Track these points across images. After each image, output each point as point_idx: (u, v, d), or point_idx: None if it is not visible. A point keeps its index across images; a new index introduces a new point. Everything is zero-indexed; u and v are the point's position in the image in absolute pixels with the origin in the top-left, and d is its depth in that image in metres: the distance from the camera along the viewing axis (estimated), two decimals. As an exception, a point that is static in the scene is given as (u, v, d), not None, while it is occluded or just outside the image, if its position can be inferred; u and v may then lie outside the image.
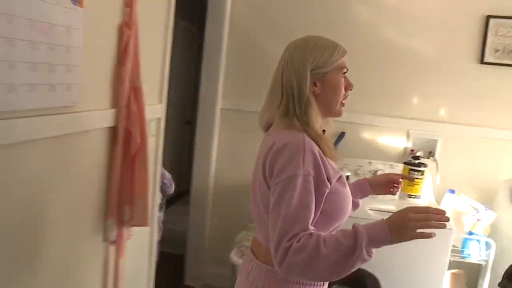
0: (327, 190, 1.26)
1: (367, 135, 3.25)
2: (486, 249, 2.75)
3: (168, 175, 3.01)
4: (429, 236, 1.15)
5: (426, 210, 1.18)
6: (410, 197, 2.77)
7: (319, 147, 1.29)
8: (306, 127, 1.30)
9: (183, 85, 5.46)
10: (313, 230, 1.19)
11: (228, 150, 3.43)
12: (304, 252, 1.13)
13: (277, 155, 1.25)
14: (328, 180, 1.26)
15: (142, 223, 1.99)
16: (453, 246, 2.63)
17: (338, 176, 1.32)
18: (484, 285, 2.77)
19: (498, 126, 3.14)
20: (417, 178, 2.76)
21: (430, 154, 3.19)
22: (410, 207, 1.20)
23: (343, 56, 1.37)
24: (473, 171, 3.18)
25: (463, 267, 2.93)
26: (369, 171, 3.03)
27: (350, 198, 1.38)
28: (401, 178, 1.71)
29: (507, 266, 2.80)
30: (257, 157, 1.40)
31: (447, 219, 1.17)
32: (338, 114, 1.42)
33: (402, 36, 3.16)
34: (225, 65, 3.34)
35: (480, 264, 2.81)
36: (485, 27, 3.05)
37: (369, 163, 3.08)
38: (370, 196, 1.70)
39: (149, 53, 2.25)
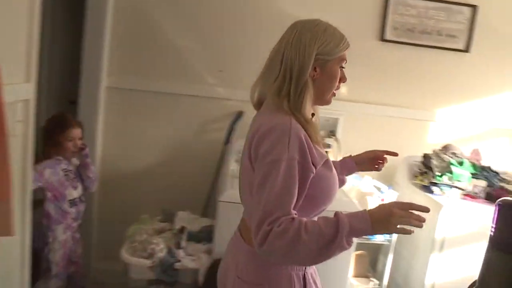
0: (312, 175, 1.25)
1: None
2: (389, 230, 2.72)
3: (93, 168, 2.66)
4: (409, 232, 1.19)
5: (410, 206, 1.19)
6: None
7: (306, 132, 1.27)
8: (295, 110, 1.29)
9: (66, 59, 4.86)
10: (295, 214, 1.18)
11: (116, 134, 3.06)
12: (285, 237, 1.12)
13: (262, 138, 1.25)
14: (314, 164, 1.25)
15: (4, 232, 1.58)
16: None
17: (323, 161, 1.30)
18: (387, 263, 2.74)
19: (398, 104, 3.12)
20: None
21: (331, 133, 3.08)
22: (395, 202, 1.24)
23: (346, 49, 1.38)
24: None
25: (370, 248, 2.90)
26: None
27: (337, 182, 1.38)
28: (386, 154, 1.75)
29: (408, 244, 2.83)
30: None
31: (424, 220, 1.18)
32: (328, 102, 1.42)
33: (302, 12, 2.95)
34: (110, 39, 2.94)
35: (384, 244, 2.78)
36: (385, 5, 2.99)
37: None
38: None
39: (8, 26, 1.83)
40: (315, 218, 1.22)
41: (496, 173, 2.84)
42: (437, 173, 2.74)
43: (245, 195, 1.39)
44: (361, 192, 2.76)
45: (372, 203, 2.71)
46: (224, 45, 2.98)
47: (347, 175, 1.70)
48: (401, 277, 2.83)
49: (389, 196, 2.75)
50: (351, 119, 3.08)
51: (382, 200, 2.72)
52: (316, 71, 1.32)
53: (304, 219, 1.16)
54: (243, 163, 1.36)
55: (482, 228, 2.19)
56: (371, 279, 2.83)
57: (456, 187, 2.72)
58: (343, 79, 1.40)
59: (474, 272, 1.67)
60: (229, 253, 1.48)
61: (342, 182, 1.64)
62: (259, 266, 1.32)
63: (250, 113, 2.92)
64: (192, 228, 2.59)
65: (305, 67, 1.29)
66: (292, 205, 1.18)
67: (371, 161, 1.73)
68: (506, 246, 1.52)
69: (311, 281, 1.38)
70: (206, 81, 3.01)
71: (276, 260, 1.25)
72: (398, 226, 1.17)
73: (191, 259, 2.39)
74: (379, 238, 2.71)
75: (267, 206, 1.16)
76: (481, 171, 2.77)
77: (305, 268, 1.36)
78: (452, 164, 2.75)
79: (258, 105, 1.44)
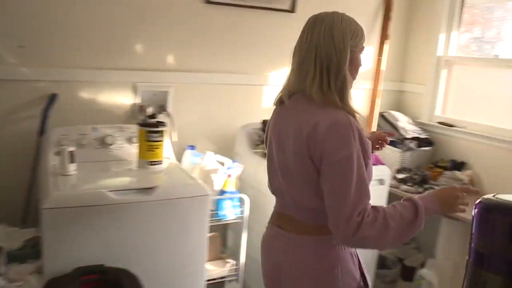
0: (369, 162, 1.37)
1: (85, 94, 2.57)
2: (240, 206, 2.55)
3: None
4: (465, 211, 1.41)
5: (467, 189, 1.44)
6: (152, 164, 2.32)
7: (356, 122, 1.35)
8: (342, 103, 1.35)
9: None
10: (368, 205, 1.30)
11: None
12: (375, 225, 1.25)
13: (327, 135, 1.30)
14: (368, 153, 1.35)
15: None
16: (211, 210, 2.32)
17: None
18: (242, 241, 2.59)
19: (231, 71, 2.92)
20: (156, 141, 2.32)
21: (161, 108, 2.76)
22: (455, 186, 1.46)
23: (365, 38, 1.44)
24: (210, 122, 2.92)
25: (220, 228, 2.72)
26: (96, 139, 2.41)
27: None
28: (387, 136, 1.89)
29: (260, 218, 2.67)
30: (278, 130, 1.49)
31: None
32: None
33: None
34: None
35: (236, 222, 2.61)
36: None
37: (93, 129, 2.45)
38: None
39: None
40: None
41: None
42: (279, 140, 2.63)
43: (292, 187, 1.44)
44: (205, 170, 2.52)
45: (218, 181, 2.50)
46: (24, 13, 2.35)
47: None
48: (257, 253, 2.70)
49: (235, 171, 2.57)
50: (182, 91, 2.79)
51: (229, 176, 2.53)
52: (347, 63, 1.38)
53: (382, 206, 1.32)
54: (288, 158, 1.42)
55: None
56: (227, 260, 2.65)
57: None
58: (361, 64, 1.46)
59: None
60: (275, 253, 1.53)
61: None
62: (327, 252, 1.42)
63: (65, 95, 2.48)
64: (12, 245, 2.07)
65: (343, 60, 1.36)
66: (369, 193, 1.30)
67: (374, 142, 1.85)
68: (491, 263, 1.36)
69: (358, 256, 1.52)
70: (4, 60, 2.37)
71: (366, 247, 1.35)
72: (459, 207, 1.40)
73: (16, 286, 1.90)
74: (230, 217, 2.53)
75: (353, 199, 1.26)
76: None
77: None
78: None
79: (288, 96, 1.48)
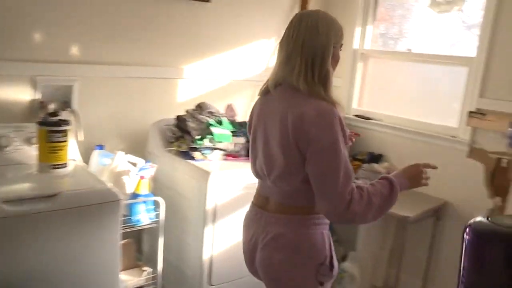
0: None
1: (-26, 90, 2.26)
2: (155, 209, 2.37)
3: None
4: (427, 184, 1.61)
5: (428, 165, 1.61)
6: (55, 168, 2.08)
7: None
8: (325, 94, 1.47)
9: None
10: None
11: None
12: (362, 202, 1.43)
13: (313, 123, 1.42)
14: (346, 139, 1.48)
15: None
16: (123, 216, 2.13)
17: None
18: (159, 247, 2.42)
19: (142, 63, 2.72)
20: (59, 142, 2.08)
21: (65, 104, 2.50)
22: (418, 164, 1.61)
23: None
24: (120, 119, 2.70)
25: (135, 235, 2.53)
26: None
27: None
28: (354, 135, 1.97)
29: (178, 222, 2.50)
30: (263, 119, 1.60)
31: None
32: None
33: None
34: None
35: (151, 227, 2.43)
36: None
37: (-14, 129, 2.17)
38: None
39: None
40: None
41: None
42: (197, 137, 2.48)
43: (274, 171, 1.54)
44: (116, 172, 2.31)
45: (130, 184, 2.31)
46: None
47: None
48: (176, 258, 2.54)
49: (148, 171, 2.38)
50: (88, 85, 2.54)
51: (142, 177, 2.34)
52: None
53: (365, 185, 1.48)
54: (272, 144, 1.53)
55: (247, 189, 2.11)
56: (144, 268, 2.47)
57: (218, 148, 2.53)
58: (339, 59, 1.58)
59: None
60: (255, 230, 1.63)
61: None
62: (301, 229, 1.54)
63: None
64: None
65: (326, 55, 1.49)
66: (352, 176, 1.44)
67: None
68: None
69: (330, 238, 1.61)
70: None
71: (355, 222, 1.47)
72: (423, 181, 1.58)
73: None
74: (145, 222, 2.34)
75: (342, 181, 1.40)
76: (239, 128, 2.64)
77: (327, 228, 1.60)
78: (211, 124, 2.52)
79: (273, 87, 1.56)
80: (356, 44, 3.34)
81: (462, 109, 2.85)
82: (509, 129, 2.58)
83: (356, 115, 3.35)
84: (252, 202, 1.72)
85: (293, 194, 1.54)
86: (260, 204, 1.66)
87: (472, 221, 1.20)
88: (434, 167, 1.63)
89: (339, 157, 1.40)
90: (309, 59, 1.47)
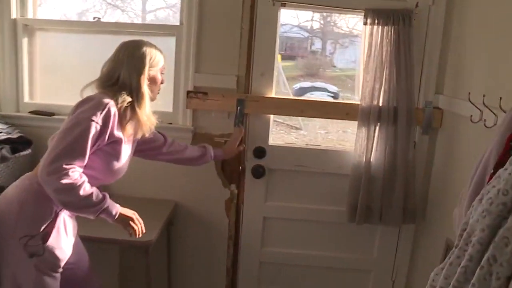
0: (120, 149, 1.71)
1: None
2: None
3: None
4: (130, 235, 1.72)
5: (138, 220, 1.73)
6: None
7: (128, 120, 1.70)
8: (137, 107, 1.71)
9: None
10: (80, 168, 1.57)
11: None
12: (69, 181, 1.51)
13: (82, 102, 1.63)
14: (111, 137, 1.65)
15: None
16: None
17: (115, 140, 1.68)
18: None
19: None
20: None
21: None
22: (134, 213, 1.73)
23: (163, 60, 1.82)
24: None
25: None
26: None
27: (120, 164, 1.74)
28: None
29: None
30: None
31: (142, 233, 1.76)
32: (155, 99, 1.82)
33: None
34: None
35: None
36: None
37: None
38: None
39: None
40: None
41: None
42: None
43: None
44: None
45: None
46: None
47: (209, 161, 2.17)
48: None
49: None
50: None
51: None
52: (148, 80, 1.74)
53: (87, 179, 1.58)
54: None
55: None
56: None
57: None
58: (163, 81, 1.82)
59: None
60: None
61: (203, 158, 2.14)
62: (28, 187, 1.64)
63: None
64: None
65: (142, 80, 1.71)
66: (81, 158, 1.56)
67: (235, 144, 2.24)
68: None
69: (62, 221, 1.70)
70: None
71: (47, 190, 1.54)
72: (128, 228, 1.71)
73: None
74: None
75: (66, 148, 1.53)
76: None
77: (63, 211, 1.68)
78: None
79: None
80: (14, 12, 2.35)
81: (174, 89, 2.35)
82: (238, 107, 2.25)
83: (32, 112, 2.41)
84: None
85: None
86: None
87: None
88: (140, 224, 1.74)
89: (75, 131, 1.56)
90: (127, 83, 1.69)
